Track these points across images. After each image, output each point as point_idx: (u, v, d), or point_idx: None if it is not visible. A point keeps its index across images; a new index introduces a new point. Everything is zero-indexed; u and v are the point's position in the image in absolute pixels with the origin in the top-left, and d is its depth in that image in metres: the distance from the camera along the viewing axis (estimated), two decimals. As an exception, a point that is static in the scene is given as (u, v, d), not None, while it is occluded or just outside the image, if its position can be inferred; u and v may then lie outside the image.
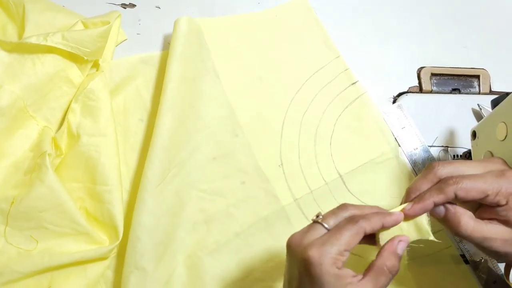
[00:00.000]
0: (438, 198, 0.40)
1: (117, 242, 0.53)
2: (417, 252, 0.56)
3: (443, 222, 0.42)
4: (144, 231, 0.52)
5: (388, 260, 0.38)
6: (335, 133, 0.62)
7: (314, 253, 0.36)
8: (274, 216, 0.58)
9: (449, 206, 0.41)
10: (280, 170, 0.60)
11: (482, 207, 0.42)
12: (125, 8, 0.66)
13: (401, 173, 0.61)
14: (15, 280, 0.50)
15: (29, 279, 0.51)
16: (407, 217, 0.41)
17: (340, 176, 0.60)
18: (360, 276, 0.37)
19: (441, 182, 0.40)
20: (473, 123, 0.62)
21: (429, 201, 0.40)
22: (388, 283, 0.38)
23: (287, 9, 0.67)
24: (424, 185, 0.41)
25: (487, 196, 0.39)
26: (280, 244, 0.55)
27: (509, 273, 0.47)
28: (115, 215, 0.53)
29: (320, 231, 0.38)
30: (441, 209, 0.41)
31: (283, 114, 0.62)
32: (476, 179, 0.40)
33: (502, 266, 0.48)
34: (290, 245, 0.39)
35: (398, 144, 0.62)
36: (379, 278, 0.37)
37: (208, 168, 0.59)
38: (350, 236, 0.37)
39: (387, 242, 0.39)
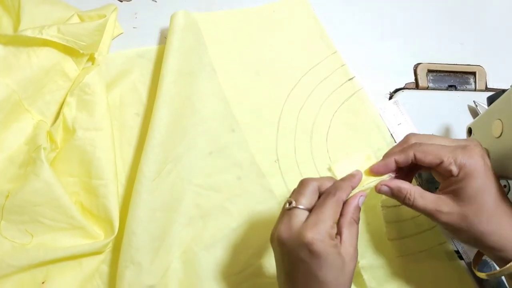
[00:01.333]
0: (399, 156, 0.44)
1: (113, 237, 0.53)
2: (411, 248, 0.57)
3: (394, 198, 0.45)
4: (139, 225, 0.52)
5: (354, 214, 0.42)
6: (332, 129, 0.62)
7: (313, 234, 0.39)
8: (270, 212, 0.58)
9: (392, 185, 0.44)
10: (276, 166, 0.60)
11: (443, 181, 0.44)
12: (121, 1, 0.66)
13: (396, 169, 0.61)
14: (10, 274, 0.50)
15: (24, 273, 0.51)
16: (375, 174, 0.46)
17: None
18: (338, 238, 0.41)
19: (406, 145, 0.45)
20: (468, 119, 0.63)
21: (390, 159, 0.45)
22: (358, 232, 0.42)
23: (284, 5, 0.67)
24: (396, 149, 0.46)
25: (442, 162, 0.42)
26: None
27: (477, 262, 0.48)
28: (110, 209, 0.53)
29: (300, 214, 0.41)
30: (386, 188, 0.45)
31: (280, 110, 0.62)
32: (438, 147, 0.43)
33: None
34: (282, 239, 0.41)
35: (394, 140, 0.62)
36: (352, 229, 0.42)
37: (204, 163, 0.58)
38: (333, 209, 0.41)
39: (350, 198, 0.43)
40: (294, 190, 0.44)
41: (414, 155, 0.43)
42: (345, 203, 0.43)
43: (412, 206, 0.44)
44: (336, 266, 0.39)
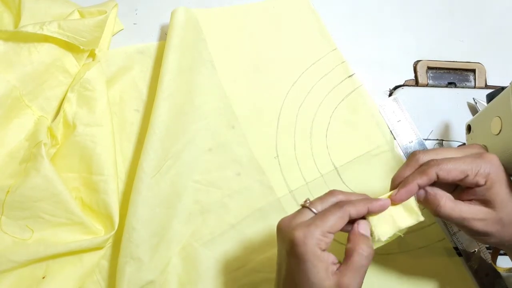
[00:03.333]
0: (422, 180, 0.42)
1: (113, 232, 0.53)
2: (410, 244, 0.57)
3: (424, 204, 0.43)
4: (139, 221, 0.52)
5: (353, 243, 0.39)
6: (331, 126, 0.62)
7: (299, 233, 0.38)
8: (269, 208, 0.58)
9: (428, 188, 0.42)
10: (275, 162, 0.60)
11: (462, 190, 0.44)
12: (121, -3, 0.66)
13: (396, 166, 0.61)
14: (10, 269, 0.50)
15: (24, 268, 0.51)
16: (395, 203, 0.42)
17: (336, 168, 0.60)
18: (338, 265, 0.39)
19: (423, 165, 0.43)
20: (468, 117, 0.63)
21: (413, 184, 0.42)
22: (364, 264, 0.39)
23: (284, 1, 0.67)
24: (407, 172, 0.44)
25: (467, 176, 0.41)
26: (275, 236, 0.55)
27: (495, 258, 0.48)
28: (110, 205, 0.54)
29: (307, 215, 0.40)
30: (421, 192, 0.43)
31: (279, 106, 0.62)
32: (456, 161, 0.42)
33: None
34: (279, 228, 0.41)
35: (394, 137, 0.62)
36: (356, 261, 0.39)
37: (203, 159, 0.59)
38: (334, 220, 0.39)
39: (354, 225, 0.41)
40: (321, 195, 0.43)
41: (437, 175, 0.41)
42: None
43: (444, 214, 0.42)
44: (314, 279, 0.37)
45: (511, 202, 0.42)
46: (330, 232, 0.38)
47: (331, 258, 0.38)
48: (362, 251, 0.39)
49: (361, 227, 0.41)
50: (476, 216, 0.42)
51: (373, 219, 0.41)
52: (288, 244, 0.39)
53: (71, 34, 0.56)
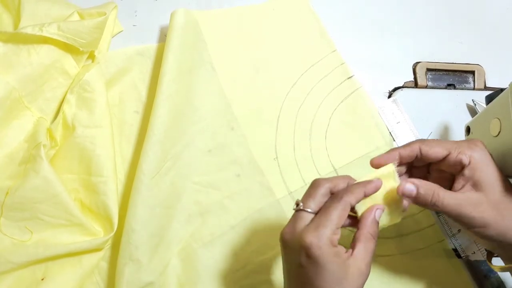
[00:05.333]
0: (404, 150, 0.43)
1: (112, 234, 0.53)
2: (410, 246, 0.57)
3: (417, 201, 0.42)
4: (138, 222, 0.52)
5: (371, 228, 0.40)
6: (330, 127, 0.62)
7: (311, 238, 0.37)
8: (269, 209, 0.58)
9: (417, 182, 0.42)
10: (275, 163, 0.60)
11: (454, 181, 0.43)
12: (121, -1, 0.66)
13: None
14: (9, 270, 0.50)
15: (23, 270, 0.51)
16: (375, 166, 0.43)
17: (335, 169, 0.60)
18: (350, 251, 0.39)
19: (412, 141, 0.43)
20: (467, 118, 0.63)
21: (394, 152, 0.43)
22: (375, 248, 0.40)
23: (284, 3, 0.67)
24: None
25: (450, 153, 0.42)
26: (274, 237, 0.55)
27: (491, 257, 0.48)
28: (110, 206, 0.54)
29: (306, 217, 0.40)
30: (412, 187, 0.42)
31: (279, 107, 0.62)
32: (441, 141, 0.43)
33: (494, 260, 0.48)
34: (285, 241, 0.40)
35: (393, 139, 0.62)
36: (368, 245, 0.40)
37: (203, 160, 0.59)
38: (338, 214, 0.39)
39: (365, 211, 0.41)
40: (306, 191, 0.42)
41: (420, 149, 0.42)
42: (362, 215, 0.41)
43: (440, 205, 0.41)
44: (336, 276, 0.37)
45: (500, 183, 0.41)
46: (338, 228, 0.39)
47: (343, 249, 0.39)
48: (375, 236, 0.40)
49: (378, 215, 0.41)
50: (469, 201, 0.41)
51: (358, 205, 0.42)
52: (301, 251, 0.38)
53: (70, 35, 0.56)
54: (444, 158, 0.42)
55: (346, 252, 0.39)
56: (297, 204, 0.41)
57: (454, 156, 0.42)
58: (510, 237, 0.42)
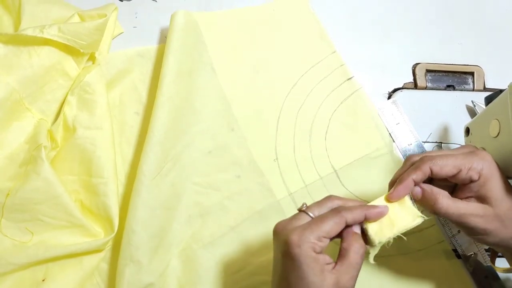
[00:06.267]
0: (416, 175, 0.42)
1: (112, 235, 0.53)
2: (409, 247, 0.57)
3: (422, 203, 0.43)
4: (139, 224, 0.52)
5: (346, 242, 0.40)
6: (330, 128, 0.62)
7: (294, 237, 0.38)
8: (269, 210, 0.58)
9: (425, 186, 0.43)
10: (275, 164, 0.60)
11: (458, 188, 0.44)
12: (121, 1, 0.66)
13: (395, 169, 0.60)
14: (10, 272, 0.50)
15: (24, 271, 0.51)
16: (392, 201, 0.42)
17: (335, 171, 0.60)
18: (333, 264, 0.39)
19: (417, 162, 0.43)
20: (466, 119, 0.63)
21: (408, 180, 0.42)
22: (359, 262, 0.40)
23: (284, 4, 0.67)
24: (402, 170, 0.44)
25: (460, 171, 0.42)
26: (274, 238, 0.56)
27: (495, 259, 0.48)
28: (110, 207, 0.54)
29: (304, 219, 0.41)
30: (418, 190, 0.43)
31: (279, 109, 0.62)
32: (449, 156, 0.42)
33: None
34: (276, 231, 0.42)
35: (393, 140, 0.62)
36: (349, 262, 0.39)
37: (203, 161, 0.59)
38: (330, 225, 0.39)
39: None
40: (318, 200, 0.43)
41: (431, 169, 0.42)
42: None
43: (442, 210, 0.42)
44: (310, 280, 0.38)
45: (507, 198, 0.42)
46: (325, 237, 0.39)
47: (326, 259, 0.39)
48: (357, 250, 0.39)
49: (354, 226, 0.41)
50: (474, 212, 0.42)
51: (371, 225, 0.41)
52: (283, 246, 0.39)
53: (71, 37, 0.56)
54: (455, 175, 0.42)
55: (328, 264, 0.39)
56: (303, 205, 0.42)
57: (464, 173, 0.42)
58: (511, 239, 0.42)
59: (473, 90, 0.67)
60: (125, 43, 0.64)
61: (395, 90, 0.66)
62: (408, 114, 0.63)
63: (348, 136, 0.62)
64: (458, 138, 0.62)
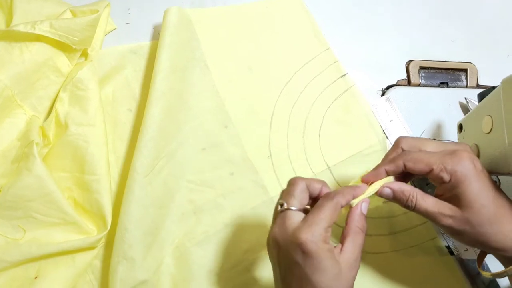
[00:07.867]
0: (389, 166, 0.44)
1: (105, 232, 0.53)
2: (402, 243, 0.57)
3: (396, 202, 0.45)
4: (132, 221, 0.52)
5: (358, 222, 0.42)
6: (324, 125, 0.62)
7: (306, 235, 0.38)
8: (263, 207, 0.58)
9: (395, 186, 0.44)
10: (268, 161, 0.60)
11: (439, 186, 0.44)
12: (114, -3, 0.66)
13: (388, 165, 0.61)
14: (2, 269, 0.50)
15: (16, 268, 0.51)
16: (367, 182, 0.45)
17: (328, 167, 0.60)
18: (339, 246, 0.41)
19: (396, 156, 0.45)
20: (460, 116, 0.63)
21: (381, 169, 0.45)
22: (363, 241, 0.42)
23: (277, 1, 0.67)
24: (389, 154, 0.46)
25: (432, 170, 0.42)
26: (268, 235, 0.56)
27: (481, 261, 0.48)
28: (103, 204, 0.53)
29: (294, 215, 0.41)
30: (388, 190, 0.44)
31: (273, 106, 0.62)
32: (426, 154, 0.43)
33: (487, 258, 0.48)
34: (277, 241, 0.40)
35: (386, 137, 0.62)
36: (356, 238, 0.41)
37: (197, 159, 0.59)
38: (329, 213, 0.40)
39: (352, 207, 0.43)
40: (284, 191, 0.44)
41: (404, 165, 0.43)
42: (349, 212, 0.43)
43: (414, 208, 0.43)
44: (331, 271, 0.38)
45: (480, 203, 0.41)
46: (329, 226, 0.40)
47: (333, 246, 0.40)
48: (364, 229, 0.42)
49: (364, 208, 0.43)
50: (443, 211, 0.42)
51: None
52: (297, 249, 0.39)
53: (63, 33, 0.55)
54: (427, 173, 0.43)
55: (336, 247, 0.40)
56: (281, 205, 0.42)
57: (436, 173, 0.42)
58: (484, 244, 0.42)
59: (466, 87, 0.67)
60: (118, 40, 0.64)
61: (388, 87, 0.66)
62: (401, 111, 0.63)
63: (341, 133, 0.62)
64: (451, 134, 0.62)
